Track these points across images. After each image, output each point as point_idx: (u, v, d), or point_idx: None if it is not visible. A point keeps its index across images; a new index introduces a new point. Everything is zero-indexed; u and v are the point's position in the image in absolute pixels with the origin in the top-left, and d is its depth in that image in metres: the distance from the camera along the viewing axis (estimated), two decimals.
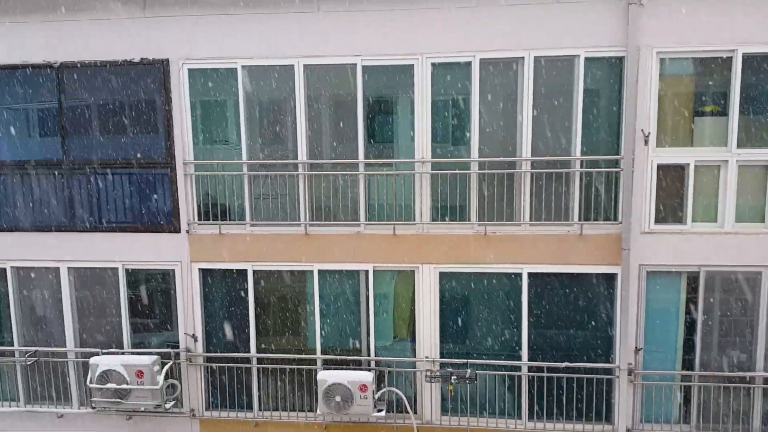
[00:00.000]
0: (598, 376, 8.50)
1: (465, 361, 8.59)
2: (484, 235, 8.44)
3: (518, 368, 8.61)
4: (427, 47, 8.22)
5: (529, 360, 8.58)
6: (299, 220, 8.75)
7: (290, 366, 9.01)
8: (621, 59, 8.03)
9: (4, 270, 9.45)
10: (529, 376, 8.61)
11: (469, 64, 8.23)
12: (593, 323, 8.53)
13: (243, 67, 8.54)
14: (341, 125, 8.61)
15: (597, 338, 8.55)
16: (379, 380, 8.77)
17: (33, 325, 9.66)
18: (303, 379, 9.03)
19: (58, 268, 9.33)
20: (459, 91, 8.36)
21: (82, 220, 9.21)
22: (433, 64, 8.27)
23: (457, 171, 8.41)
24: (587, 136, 8.17)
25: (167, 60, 8.63)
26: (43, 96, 9.08)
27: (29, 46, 8.87)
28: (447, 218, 8.55)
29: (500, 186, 8.38)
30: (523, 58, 8.12)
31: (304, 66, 8.45)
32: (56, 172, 9.17)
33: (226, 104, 8.79)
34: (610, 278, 8.39)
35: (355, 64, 8.36)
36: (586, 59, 8.03)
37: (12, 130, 9.43)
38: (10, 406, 9.63)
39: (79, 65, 8.82)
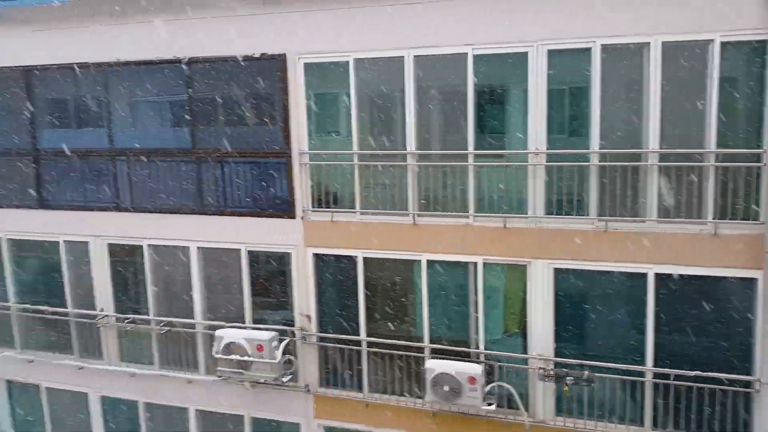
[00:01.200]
0: (734, 389, 7.77)
1: (582, 362, 8.25)
2: (604, 231, 7.98)
3: (641, 374, 8.13)
4: (542, 34, 7.78)
5: (653, 366, 8.06)
6: (407, 210, 8.77)
7: (398, 352, 9.17)
8: (764, 43, 7.12)
9: (141, 247, 10.37)
10: (653, 383, 8.11)
11: (588, 50, 7.69)
12: (728, 331, 7.78)
13: (355, 59, 8.59)
14: (451, 116, 8.45)
15: (733, 348, 7.78)
16: (488, 374, 8.69)
17: (166, 298, 10.57)
18: (411, 365, 9.17)
19: (188, 247, 10.09)
20: (577, 79, 7.86)
21: (210, 204, 9.85)
22: (549, 51, 7.82)
23: (575, 163, 7.97)
24: (723, 128, 7.39)
25: (284, 55, 8.88)
26: (173, 89, 9.72)
27: (161, 43, 9.49)
28: (563, 212, 8.17)
29: (623, 180, 7.85)
30: (648, 43, 7.45)
31: (414, 57, 8.34)
32: (187, 160, 9.84)
33: (339, 96, 8.92)
34: (749, 283, 7.60)
35: (466, 54, 8.11)
36: (723, 44, 7.21)
37: (148, 120, 10.23)
38: (147, 369, 10.68)
39: (204, 61, 9.32)
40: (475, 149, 8.34)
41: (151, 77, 9.83)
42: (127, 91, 10.10)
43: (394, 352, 9.19)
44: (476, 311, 8.72)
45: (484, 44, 8.02)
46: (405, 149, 8.64)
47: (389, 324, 9.29)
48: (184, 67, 9.47)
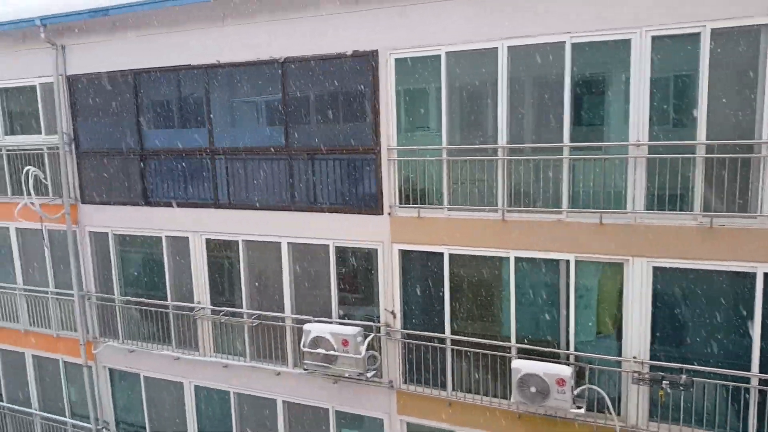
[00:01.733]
0: None
1: (680, 366, 7.78)
2: (709, 228, 7.51)
3: (746, 380, 7.57)
4: (646, 19, 7.46)
5: (760, 372, 7.49)
6: (497, 206, 8.64)
7: (483, 351, 9.00)
8: None
9: (237, 242, 10.79)
10: (758, 391, 7.53)
11: (697, 35, 7.31)
12: None
13: (447, 53, 8.60)
14: (545, 108, 8.25)
15: None
16: (578, 376, 8.36)
17: (258, 292, 10.92)
18: (497, 365, 8.98)
19: (279, 243, 10.40)
20: (683, 66, 7.48)
21: (301, 201, 10.12)
22: (653, 38, 7.49)
23: (678, 155, 7.57)
24: None
25: (376, 51, 9.02)
26: (269, 89, 10.11)
27: (259, 45, 9.91)
28: (664, 208, 7.76)
29: (731, 173, 7.37)
30: (762, 26, 6.98)
31: (508, 48, 8.24)
32: (279, 158, 10.18)
33: (428, 91, 8.94)
34: None
35: (564, 42, 7.92)
36: None
37: (245, 120, 10.69)
38: (239, 360, 11.04)
39: (299, 60, 9.64)
40: (571, 141, 8.10)
41: (249, 78, 10.26)
42: (226, 91, 10.60)
43: (480, 351, 9.03)
44: (567, 311, 8.43)
45: (583, 32, 7.79)
46: (495, 143, 8.53)
47: (475, 322, 9.15)
48: (279, 67, 9.82)
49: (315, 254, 10.23)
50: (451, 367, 9.33)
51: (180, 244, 11.37)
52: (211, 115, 10.64)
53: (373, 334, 9.69)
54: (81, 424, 13.31)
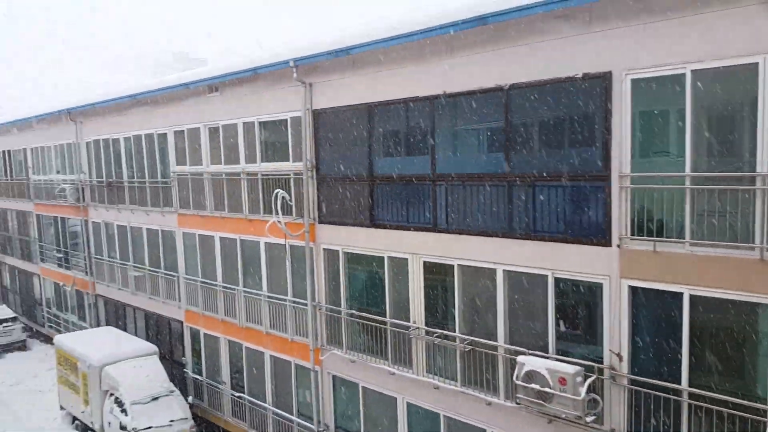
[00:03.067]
0: None
1: None
2: None
3: None
4: None
5: None
6: (753, 243, 7.46)
7: (730, 411, 7.77)
8: None
9: (453, 266, 10.92)
10: None
11: None
12: None
13: (693, 71, 7.75)
14: None
15: None
16: None
17: (471, 317, 10.89)
18: (747, 429, 7.67)
19: (495, 270, 10.27)
20: None
21: (519, 228, 9.90)
22: None
23: None
24: None
25: (609, 73, 8.50)
26: (492, 116, 10.13)
27: (483, 73, 10.02)
28: None
29: None
30: None
31: None
32: (499, 184, 10.10)
33: (669, 113, 8.15)
34: None
35: None
36: None
37: (466, 147, 10.86)
38: (450, 384, 11.07)
39: (524, 86, 9.52)
40: None
41: (472, 106, 10.41)
42: (449, 120, 10.91)
43: (725, 410, 7.81)
44: None
45: None
46: (753, 171, 7.41)
47: (719, 376, 7.97)
48: (504, 93, 9.80)
49: (532, 284, 9.89)
50: (687, 423, 8.23)
51: (400, 265, 11.87)
52: (435, 143, 11.00)
53: (594, 376, 9.00)
54: (305, 423, 14.51)
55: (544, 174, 9.50)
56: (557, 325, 9.63)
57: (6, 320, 26.24)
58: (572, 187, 9.25)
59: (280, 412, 15.22)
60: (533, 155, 9.70)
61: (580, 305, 9.50)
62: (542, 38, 9.19)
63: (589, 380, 8.90)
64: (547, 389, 9.08)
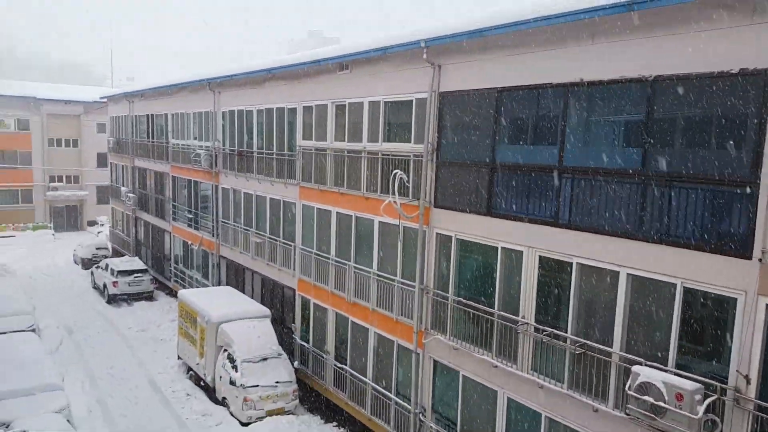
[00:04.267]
0: None
1: None
2: None
3: None
4: None
5: None
6: None
7: None
8: None
9: (570, 264, 10.51)
10: None
11: None
12: None
13: None
14: None
15: None
16: None
17: (586, 319, 10.46)
18: None
19: (617, 272, 9.77)
20: None
21: (649, 231, 9.33)
22: None
23: None
24: None
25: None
26: (631, 108, 9.58)
27: (626, 62, 9.47)
28: None
29: None
30: None
31: None
32: (632, 181, 9.55)
33: None
34: None
35: None
36: None
37: (599, 139, 10.35)
38: (555, 385, 10.75)
39: (670, 78, 8.89)
40: None
41: (610, 96, 9.91)
42: (583, 110, 10.44)
43: None
44: None
45: None
46: None
47: None
48: (648, 85, 9.22)
49: (657, 291, 9.31)
50: None
51: (514, 257, 11.63)
52: (565, 133, 10.59)
53: (715, 396, 8.37)
54: (402, 403, 14.73)
55: (683, 175, 8.86)
56: (680, 337, 9.02)
57: (138, 271, 28.75)
58: (714, 191, 8.56)
59: (379, 388, 15.55)
60: (673, 153, 9.08)
61: (708, 319, 8.83)
62: (696, 28, 8.51)
63: (709, 400, 8.30)
64: (661, 403, 8.58)
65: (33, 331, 21.17)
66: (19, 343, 18.21)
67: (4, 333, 19.67)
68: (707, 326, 8.86)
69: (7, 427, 12.80)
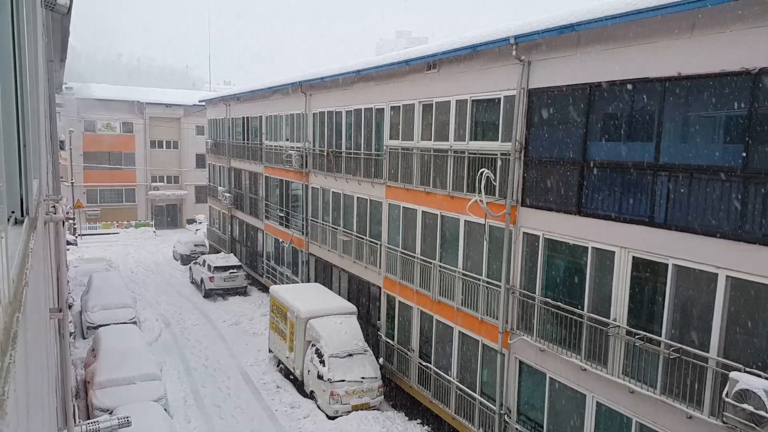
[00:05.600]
0: None
1: None
2: None
3: None
4: None
5: None
6: None
7: None
8: None
9: (666, 265, 10.12)
10: None
11: None
12: None
13: None
14: None
15: None
16: None
17: (682, 323, 10.03)
18: None
19: (716, 275, 9.33)
20: None
21: (751, 231, 8.85)
22: None
23: None
24: None
25: None
26: (733, 103, 9.12)
27: (727, 54, 9.03)
28: None
29: None
30: None
31: None
32: (733, 180, 9.10)
33: None
34: None
35: None
36: None
37: (698, 136, 9.91)
38: (647, 390, 10.38)
39: None
40: None
41: (710, 90, 9.47)
42: (681, 105, 10.04)
43: None
44: None
45: None
46: None
47: None
48: (751, 79, 8.75)
49: (758, 295, 8.81)
50: None
51: (605, 257, 11.33)
52: (661, 129, 10.22)
53: None
54: (487, 403, 14.66)
55: None
56: None
57: (233, 267, 30.16)
58: None
59: (463, 387, 15.57)
60: None
61: None
62: None
63: None
64: (762, 412, 8.14)
65: (134, 323, 22.53)
66: (122, 335, 19.35)
67: (109, 324, 21.13)
68: None
69: (110, 414, 13.82)
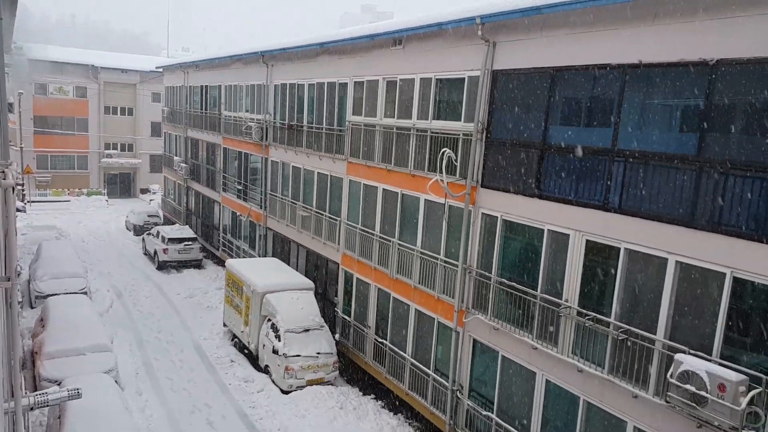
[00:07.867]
0: None
1: None
2: None
3: None
4: None
5: None
6: None
7: None
8: None
9: (618, 249, 10.41)
10: None
11: None
12: None
13: None
14: None
15: None
16: None
17: (630, 305, 10.36)
18: None
19: (666, 259, 9.63)
20: None
21: (701, 218, 9.15)
22: None
23: None
24: None
25: None
26: (689, 93, 9.34)
27: (687, 44, 9.22)
28: None
29: None
30: None
31: None
32: (687, 168, 9.36)
33: None
34: None
35: None
36: None
37: (654, 123, 10.14)
38: (595, 369, 10.72)
39: (733, 62, 8.62)
40: None
41: (668, 79, 9.67)
42: (639, 92, 10.23)
43: None
44: None
45: None
46: None
47: None
48: (708, 69, 8.96)
49: (705, 280, 9.16)
50: None
51: (560, 240, 11.57)
52: (620, 116, 10.41)
53: (761, 389, 8.23)
54: (440, 380, 14.92)
55: (741, 163, 8.64)
56: (727, 328, 8.88)
57: (188, 239, 29.63)
58: (764, 179, 8.32)
59: (417, 364, 15.79)
60: (731, 141, 8.84)
61: (757, 311, 8.65)
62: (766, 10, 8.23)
63: (753, 392, 8.17)
64: (702, 393, 8.51)
65: (85, 293, 22.02)
66: (72, 305, 18.88)
67: (58, 294, 20.57)
68: (756, 318, 8.68)
69: (59, 385, 13.51)
